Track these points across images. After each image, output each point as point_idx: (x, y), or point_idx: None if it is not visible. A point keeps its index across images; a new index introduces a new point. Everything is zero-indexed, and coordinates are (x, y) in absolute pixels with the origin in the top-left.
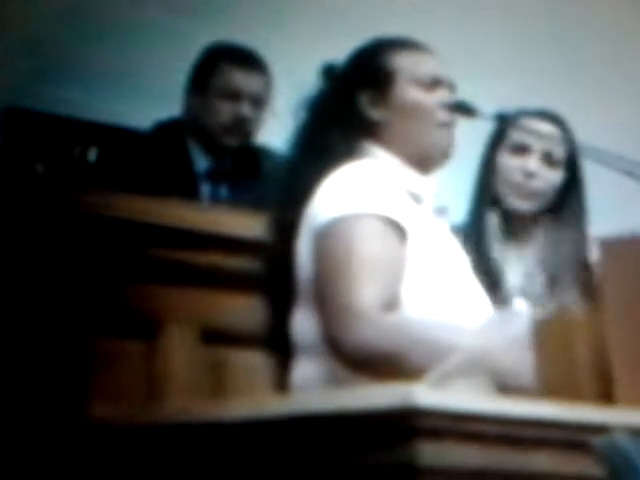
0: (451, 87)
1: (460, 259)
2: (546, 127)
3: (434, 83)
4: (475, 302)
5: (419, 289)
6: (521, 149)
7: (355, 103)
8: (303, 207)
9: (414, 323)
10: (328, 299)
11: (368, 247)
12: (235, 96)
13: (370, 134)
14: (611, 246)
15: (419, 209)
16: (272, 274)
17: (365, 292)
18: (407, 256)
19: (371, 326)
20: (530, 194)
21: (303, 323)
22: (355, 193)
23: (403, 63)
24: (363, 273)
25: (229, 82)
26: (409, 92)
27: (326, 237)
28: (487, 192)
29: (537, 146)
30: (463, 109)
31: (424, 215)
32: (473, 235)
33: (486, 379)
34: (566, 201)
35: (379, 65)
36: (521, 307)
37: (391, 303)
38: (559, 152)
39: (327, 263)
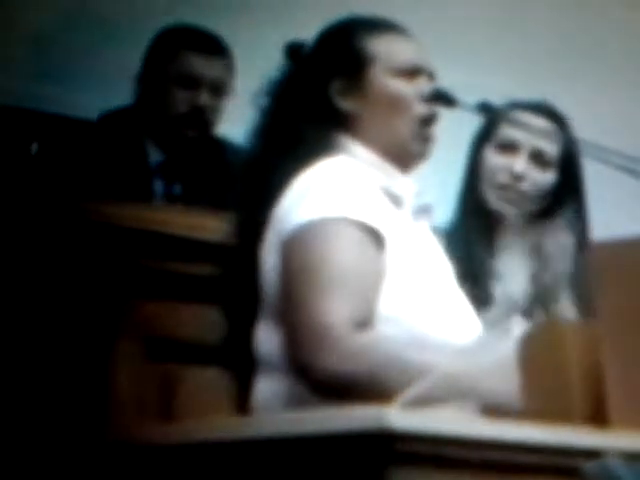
0: (431, 76)
1: (443, 269)
2: (538, 122)
3: (413, 71)
4: (460, 317)
5: (398, 304)
6: (508, 147)
7: (325, 91)
8: (269, 209)
9: (389, 344)
10: (292, 315)
11: (340, 256)
12: (193, 83)
13: (343, 126)
14: (603, 251)
15: (399, 213)
16: (232, 283)
17: (334, 308)
18: (385, 267)
19: (340, 348)
20: (517, 197)
21: (267, 338)
22: (328, 195)
23: (379, 48)
24: (332, 286)
25: (186, 67)
26: (385, 81)
27: (293, 244)
28: (472, 193)
29: (526, 144)
30: (442, 98)
31: (404, 220)
32: (458, 241)
33: (466, 403)
34: (560, 206)
35: (352, 50)
36: (510, 321)
37: (364, 321)
38: (551, 151)
39: (293, 274)
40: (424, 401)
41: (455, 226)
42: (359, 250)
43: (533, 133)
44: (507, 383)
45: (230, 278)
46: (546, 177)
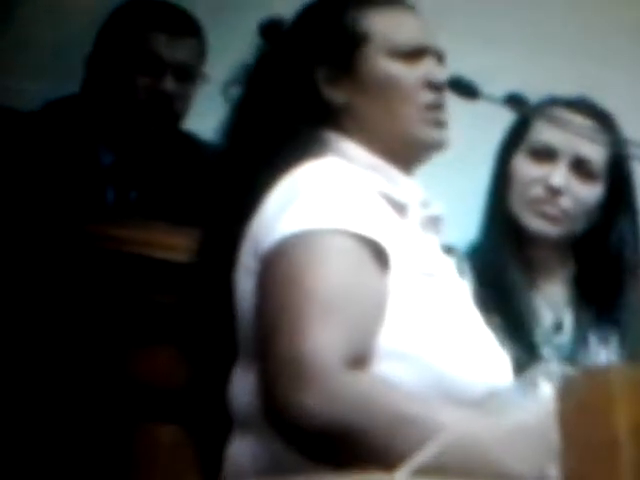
0: (440, 57)
1: (462, 294)
2: (580, 122)
3: (417, 52)
4: (486, 353)
5: (407, 336)
6: (545, 154)
7: (310, 79)
8: (244, 221)
9: (390, 391)
10: (270, 349)
11: (331, 274)
12: (156, 66)
13: (333, 121)
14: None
15: (403, 223)
16: (199, 315)
17: (321, 339)
18: (388, 289)
19: (327, 390)
20: (555, 215)
21: (244, 387)
22: (317, 202)
23: (375, 26)
24: (321, 312)
25: (148, 48)
26: (383, 65)
27: (274, 260)
28: (500, 209)
29: (567, 150)
30: (459, 87)
31: (410, 231)
32: (485, 265)
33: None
34: (610, 224)
35: (342, 28)
36: (549, 365)
37: (359, 357)
38: (598, 159)
39: (272, 297)
40: (426, 473)
41: (480, 248)
42: (356, 267)
43: (575, 136)
44: (531, 457)
45: (196, 308)
46: (591, 191)
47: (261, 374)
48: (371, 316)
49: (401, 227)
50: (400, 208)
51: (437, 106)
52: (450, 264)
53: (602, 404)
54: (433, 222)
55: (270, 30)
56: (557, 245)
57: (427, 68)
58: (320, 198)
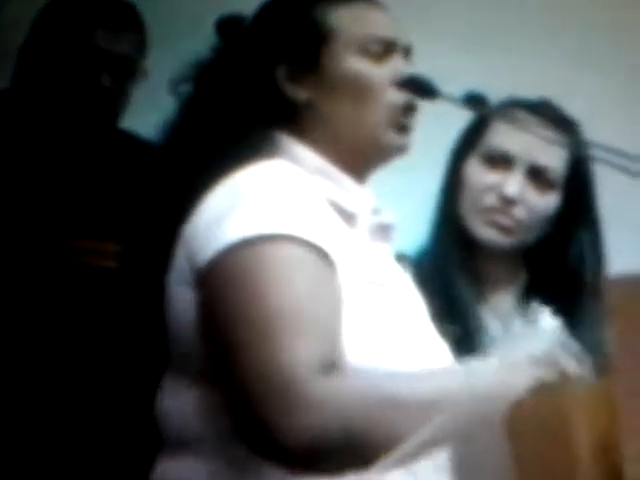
0: (407, 53)
1: (414, 303)
2: (540, 127)
3: (384, 49)
4: (435, 366)
5: (358, 349)
6: (500, 160)
7: (270, 77)
8: (180, 225)
9: (375, 381)
10: (241, 367)
11: (290, 281)
12: (93, 62)
13: (295, 121)
14: (621, 290)
15: (351, 232)
16: (128, 326)
17: (298, 352)
18: (341, 295)
19: (317, 404)
20: (508, 225)
21: (179, 404)
22: (263, 207)
23: (339, 21)
24: (291, 323)
25: (85, 42)
26: (350, 62)
27: (222, 271)
28: (449, 214)
29: (524, 157)
30: (419, 87)
31: (358, 241)
32: (433, 272)
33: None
34: (568, 237)
35: (304, 23)
36: None
37: (333, 362)
38: (556, 167)
39: (232, 312)
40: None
41: (428, 254)
42: (312, 272)
43: (533, 141)
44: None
45: (125, 318)
46: (548, 201)
47: (234, 398)
48: (337, 321)
49: (348, 235)
50: (348, 216)
51: (405, 107)
52: (402, 273)
53: (560, 421)
54: (383, 230)
55: (228, 27)
56: (507, 255)
57: (396, 66)
58: (264, 203)
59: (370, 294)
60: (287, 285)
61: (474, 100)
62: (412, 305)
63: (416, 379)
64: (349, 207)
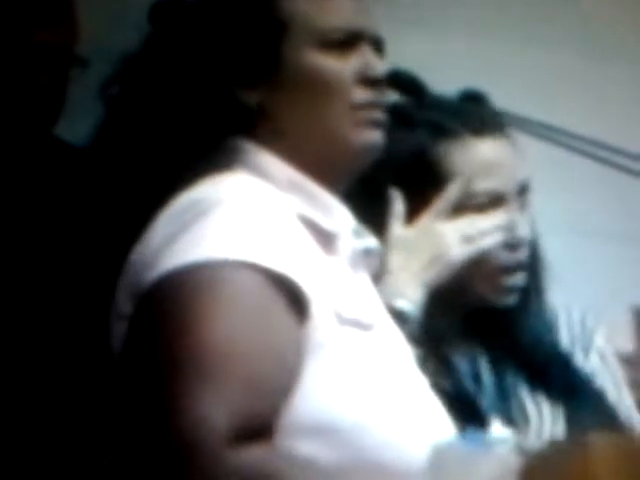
0: (377, 44)
1: (398, 346)
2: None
3: (349, 40)
4: (429, 421)
5: (332, 407)
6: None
7: (217, 76)
8: (124, 253)
9: (284, 469)
10: (138, 419)
11: (226, 323)
12: (30, 58)
13: (247, 128)
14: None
15: (329, 259)
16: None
17: (204, 413)
18: (305, 343)
19: (206, 472)
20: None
21: None
22: (217, 230)
23: (297, 10)
24: (206, 374)
25: (17, 36)
26: (308, 57)
27: (154, 301)
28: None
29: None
30: (401, 83)
31: (338, 269)
32: None
33: None
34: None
35: (256, 13)
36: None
37: (255, 429)
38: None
39: (146, 350)
40: None
41: None
42: (260, 313)
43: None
44: None
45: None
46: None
47: (129, 450)
48: (275, 377)
49: (327, 264)
50: (327, 239)
51: (373, 105)
52: (384, 310)
53: None
54: (366, 256)
55: (164, 14)
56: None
57: (362, 60)
58: (221, 225)
59: (351, 339)
60: (216, 326)
61: (471, 99)
62: (398, 352)
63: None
64: (329, 226)
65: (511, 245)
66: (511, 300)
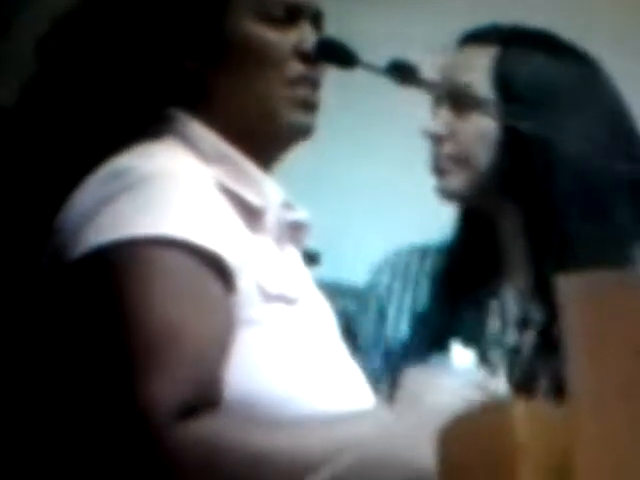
0: (317, 19)
1: (323, 323)
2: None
3: (290, 14)
4: (349, 393)
5: (257, 379)
6: None
7: (155, 44)
8: (48, 221)
9: (243, 430)
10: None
11: (165, 302)
12: None
13: (186, 97)
14: (573, 292)
15: (255, 234)
16: None
17: (146, 390)
18: (234, 317)
19: (165, 446)
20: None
21: None
22: (141, 203)
23: None
24: (152, 353)
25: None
26: (248, 28)
27: (89, 281)
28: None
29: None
30: (333, 52)
31: (264, 244)
32: None
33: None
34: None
35: None
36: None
37: (199, 401)
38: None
39: (81, 328)
40: None
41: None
42: (193, 287)
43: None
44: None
45: None
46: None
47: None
48: (215, 348)
49: (252, 239)
50: (252, 213)
51: (307, 81)
52: (311, 283)
53: (501, 447)
54: (295, 230)
55: None
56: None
57: (301, 34)
58: (146, 197)
59: (276, 314)
60: (156, 305)
61: (400, 69)
62: (323, 327)
63: (307, 430)
64: (255, 200)
65: None
66: None
